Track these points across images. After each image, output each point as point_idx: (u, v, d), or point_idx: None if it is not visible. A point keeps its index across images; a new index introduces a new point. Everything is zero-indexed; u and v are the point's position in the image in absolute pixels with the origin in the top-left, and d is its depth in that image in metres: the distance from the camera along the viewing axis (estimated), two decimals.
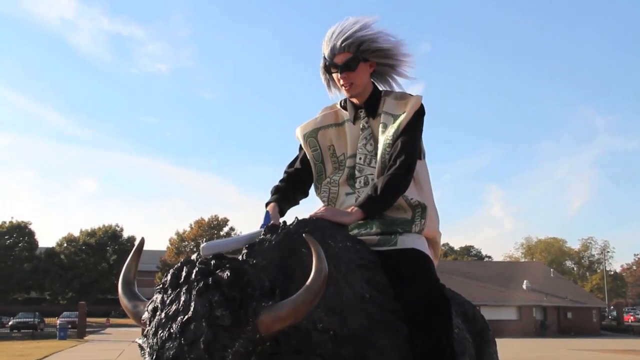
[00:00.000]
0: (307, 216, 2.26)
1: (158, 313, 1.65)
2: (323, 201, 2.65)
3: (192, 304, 1.60)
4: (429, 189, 2.59)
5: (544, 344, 29.97)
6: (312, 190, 2.75)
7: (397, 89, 2.63)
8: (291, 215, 2.52)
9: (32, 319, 41.65)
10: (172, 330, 1.58)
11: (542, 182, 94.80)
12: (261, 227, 2.24)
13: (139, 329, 1.77)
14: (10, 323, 43.30)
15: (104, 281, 60.69)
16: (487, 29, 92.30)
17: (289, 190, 2.65)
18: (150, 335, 1.62)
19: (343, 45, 2.46)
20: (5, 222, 60.99)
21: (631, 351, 24.44)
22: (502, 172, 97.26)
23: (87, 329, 34.44)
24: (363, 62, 2.50)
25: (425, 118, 2.51)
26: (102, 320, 50.56)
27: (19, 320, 42.52)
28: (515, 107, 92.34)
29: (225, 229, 62.36)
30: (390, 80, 2.64)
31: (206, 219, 61.90)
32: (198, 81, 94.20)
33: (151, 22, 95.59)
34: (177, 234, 61.60)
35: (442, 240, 2.68)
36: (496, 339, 3.16)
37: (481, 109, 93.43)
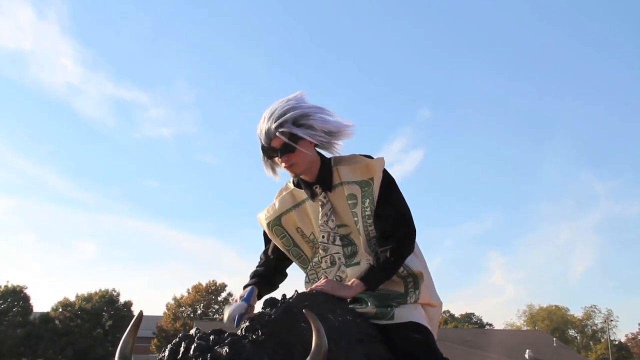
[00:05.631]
0: (306, 289, 2.26)
1: None
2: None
3: None
4: (421, 255, 2.55)
5: None
6: (293, 265, 2.68)
7: (343, 153, 2.50)
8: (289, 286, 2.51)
9: None
10: None
11: (543, 247, 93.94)
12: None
13: None
14: None
15: (99, 347, 59.41)
16: (487, 96, 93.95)
17: (269, 274, 2.61)
18: None
19: (277, 128, 2.32)
20: (0, 287, 60.33)
21: None
22: (503, 237, 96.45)
23: None
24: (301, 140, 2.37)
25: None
26: None
27: None
28: (516, 171, 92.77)
29: (223, 294, 61.63)
30: (336, 146, 2.47)
31: (204, 284, 61.27)
32: (200, 145, 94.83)
33: (154, 87, 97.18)
34: (175, 299, 60.82)
35: (443, 307, 2.60)
36: None
37: (482, 173, 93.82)
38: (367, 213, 2.40)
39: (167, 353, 1.70)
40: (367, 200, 2.39)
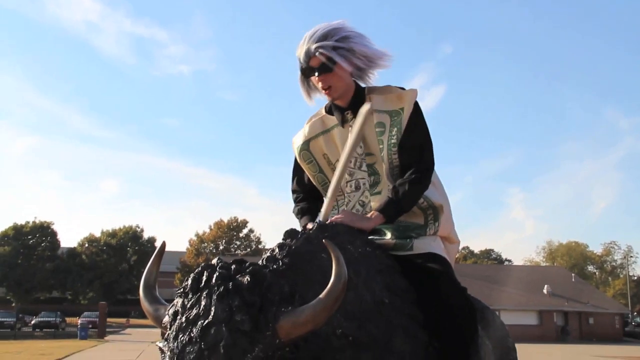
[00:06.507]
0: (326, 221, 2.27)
1: (179, 317, 1.66)
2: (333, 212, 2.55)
3: (213, 308, 1.61)
4: (442, 188, 2.56)
5: (565, 350, 29.64)
6: None
7: (377, 83, 2.52)
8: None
9: (53, 319, 42.20)
10: (192, 335, 1.60)
11: (564, 184, 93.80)
12: None
13: (158, 330, 1.79)
14: (32, 322, 43.90)
15: (124, 282, 61.18)
16: (509, 32, 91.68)
17: (314, 208, 2.63)
18: (171, 339, 1.64)
19: (318, 48, 2.35)
20: (28, 222, 61.78)
21: None
22: (524, 174, 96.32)
23: (107, 329, 34.75)
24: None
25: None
26: (122, 320, 51.08)
27: (41, 319, 43.06)
28: (538, 108, 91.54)
29: (245, 230, 62.61)
30: (371, 75, 2.50)
31: (225, 221, 62.19)
32: (219, 83, 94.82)
33: (173, 24, 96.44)
34: (197, 235, 61.97)
35: (462, 243, 2.62)
36: (516, 344, 3.13)
37: (503, 110, 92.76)
38: (392, 141, 2.39)
39: (190, 281, 1.73)
40: (395, 129, 2.39)
